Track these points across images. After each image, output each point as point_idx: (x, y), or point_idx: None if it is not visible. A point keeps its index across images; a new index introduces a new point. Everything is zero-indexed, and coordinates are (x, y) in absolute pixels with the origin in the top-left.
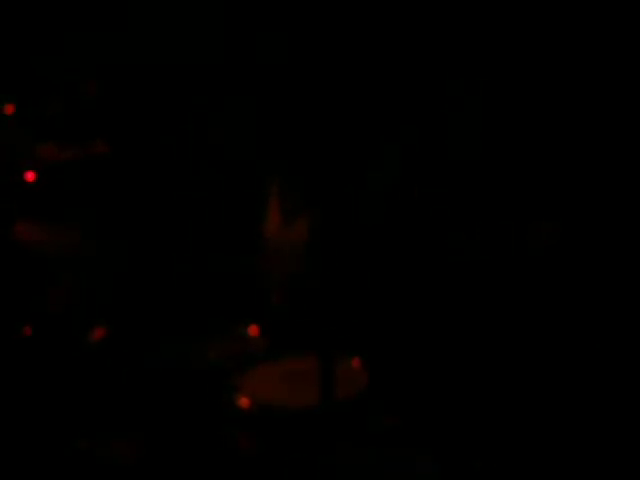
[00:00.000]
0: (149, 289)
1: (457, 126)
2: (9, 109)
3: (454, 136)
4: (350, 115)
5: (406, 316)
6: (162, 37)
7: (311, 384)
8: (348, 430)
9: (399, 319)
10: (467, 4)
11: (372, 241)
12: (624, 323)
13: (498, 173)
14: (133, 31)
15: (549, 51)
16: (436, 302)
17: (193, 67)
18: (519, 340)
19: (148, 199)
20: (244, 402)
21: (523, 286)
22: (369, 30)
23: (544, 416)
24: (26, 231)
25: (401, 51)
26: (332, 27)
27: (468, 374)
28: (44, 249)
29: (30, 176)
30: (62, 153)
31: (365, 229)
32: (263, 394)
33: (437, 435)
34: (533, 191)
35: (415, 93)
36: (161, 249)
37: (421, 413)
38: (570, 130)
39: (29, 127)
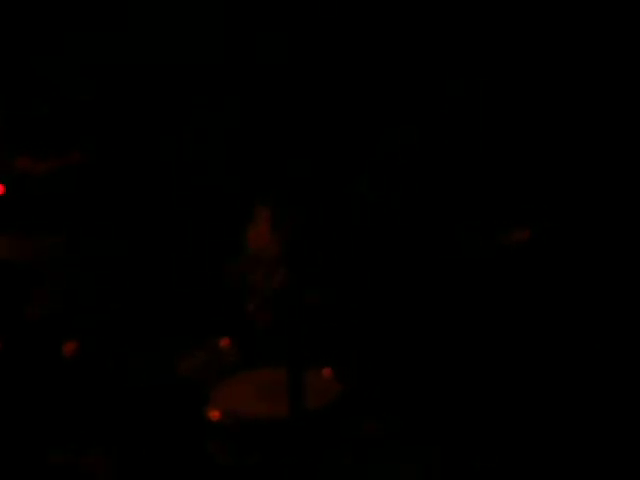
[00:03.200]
0: (121, 302)
1: (454, 129)
2: None
3: (451, 138)
4: (344, 118)
5: (380, 324)
6: (145, 46)
7: (283, 395)
8: (321, 439)
9: (372, 328)
10: (466, 5)
11: (345, 253)
12: (603, 320)
13: (489, 175)
14: (116, 41)
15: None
16: (410, 311)
17: (175, 79)
18: (499, 344)
19: (124, 212)
20: (216, 414)
21: (498, 289)
22: (366, 35)
23: (522, 420)
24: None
25: (393, 58)
26: (330, 30)
27: (446, 379)
28: (18, 261)
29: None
30: (38, 165)
31: (338, 243)
32: (235, 406)
33: (417, 442)
34: (515, 192)
35: (412, 96)
36: (134, 262)
37: (399, 421)
38: (559, 132)
39: (4, 139)
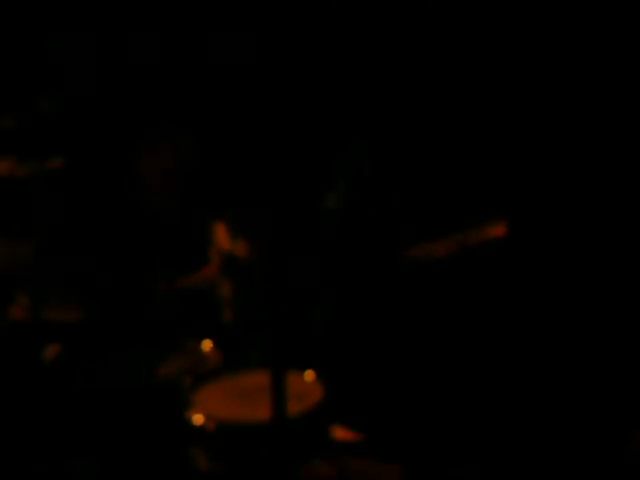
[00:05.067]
0: (102, 305)
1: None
2: None
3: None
4: (303, 134)
5: (361, 328)
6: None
7: (265, 399)
8: (303, 444)
9: (354, 332)
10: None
11: (325, 256)
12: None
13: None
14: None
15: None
16: (391, 315)
17: (150, 85)
18: (477, 349)
19: (103, 215)
20: (198, 418)
21: (476, 290)
22: (336, 43)
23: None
24: None
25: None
26: (301, 38)
27: (426, 383)
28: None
29: None
30: (18, 169)
31: (317, 245)
32: (217, 410)
33: (397, 446)
34: (483, 192)
35: (365, 113)
36: (114, 266)
37: (379, 425)
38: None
39: None
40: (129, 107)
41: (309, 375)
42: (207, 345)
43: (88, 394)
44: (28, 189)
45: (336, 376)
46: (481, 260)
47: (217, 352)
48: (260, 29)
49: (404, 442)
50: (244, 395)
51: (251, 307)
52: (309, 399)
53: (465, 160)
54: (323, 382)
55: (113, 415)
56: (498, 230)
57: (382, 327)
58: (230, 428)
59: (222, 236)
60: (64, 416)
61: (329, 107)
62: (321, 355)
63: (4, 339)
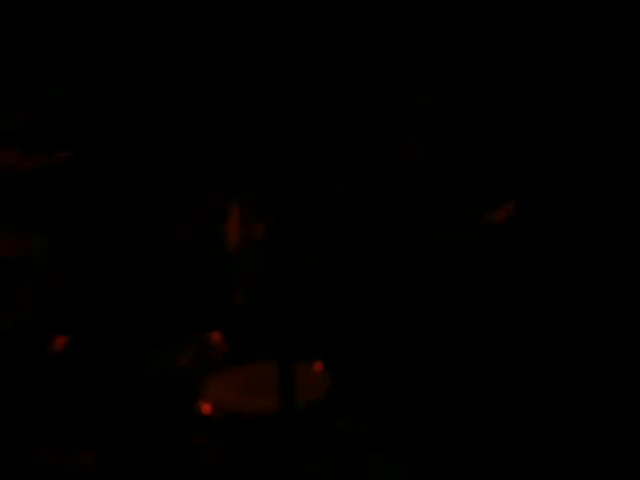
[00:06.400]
0: (111, 296)
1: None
2: None
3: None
4: (309, 125)
5: (370, 319)
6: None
7: (274, 390)
8: (310, 435)
9: (363, 323)
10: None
11: (333, 246)
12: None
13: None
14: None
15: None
16: (400, 306)
17: (155, 76)
18: (485, 342)
19: (111, 207)
20: (207, 408)
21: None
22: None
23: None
24: None
25: (354, 65)
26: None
27: (435, 376)
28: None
29: None
30: (25, 161)
31: (324, 234)
32: (226, 400)
33: (403, 440)
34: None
35: (369, 105)
36: (123, 256)
37: (387, 418)
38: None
39: None
40: (131, 105)
41: (317, 366)
42: (216, 335)
43: (97, 386)
44: (32, 183)
45: (345, 368)
46: (487, 246)
47: (226, 342)
48: (260, 29)
49: (410, 438)
50: (252, 385)
51: (259, 295)
52: (317, 390)
53: (473, 146)
54: (332, 374)
55: (122, 406)
56: (503, 214)
57: (391, 321)
58: (238, 418)
59: (237, 221)
60: (72, 408)
61: (329, 106)
62: (330, 347)
63: (10, 335)
